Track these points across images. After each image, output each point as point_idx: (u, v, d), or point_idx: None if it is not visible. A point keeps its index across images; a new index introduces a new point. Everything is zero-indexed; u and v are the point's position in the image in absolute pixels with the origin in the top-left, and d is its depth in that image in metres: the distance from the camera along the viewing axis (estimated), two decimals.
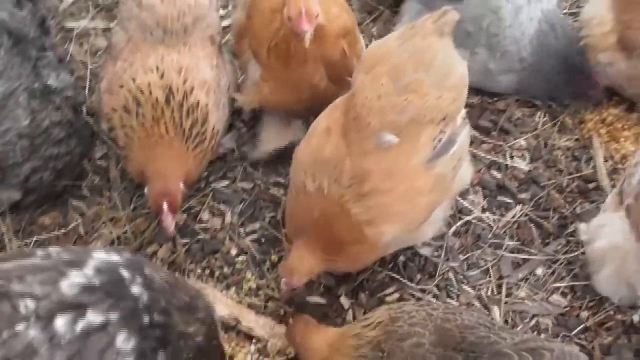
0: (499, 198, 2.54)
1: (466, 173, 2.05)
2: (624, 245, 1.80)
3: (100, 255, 1.40)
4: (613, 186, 2.55)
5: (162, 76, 2.08)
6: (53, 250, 1.42)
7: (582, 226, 2.25)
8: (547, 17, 2.60)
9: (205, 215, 2.45)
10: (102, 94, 2.19)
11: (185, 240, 2.38)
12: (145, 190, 2.06)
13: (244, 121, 2.82)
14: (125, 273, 1.36)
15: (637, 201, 1.76)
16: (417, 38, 1.71)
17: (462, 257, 2.38)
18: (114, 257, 1.42)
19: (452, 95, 1.74)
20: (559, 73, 2.64)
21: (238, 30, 2.42)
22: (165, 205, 1.96)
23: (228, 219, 2.43)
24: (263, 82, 2.22)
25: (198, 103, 2.10)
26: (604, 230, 1.92)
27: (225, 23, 2.85)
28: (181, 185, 2.04)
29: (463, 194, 2.53)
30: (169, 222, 1.99)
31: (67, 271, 1.28)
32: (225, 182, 2.57)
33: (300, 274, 1.85)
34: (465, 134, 1.89)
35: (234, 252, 2.34)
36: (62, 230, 2.42)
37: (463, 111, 1.92)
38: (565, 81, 2.67)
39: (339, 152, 1.75)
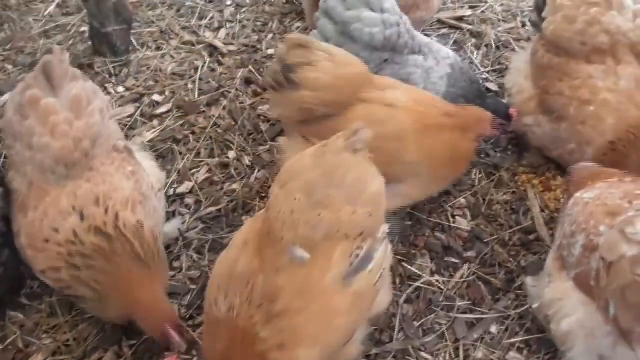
0: (446, 259, 2.58)
1: (385, 294, 1.99)
2: (592, 324, 1.77)
3: None
4: (552, 235, 2.64)
5: (82, 217, 1.98)
6: None
7: (528, 280, 2.29)
8: (456, 70, 2.75)
9: None
10: (25, 250, 2.04)
11: (132, 342, 2.28)
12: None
13: (187, 206, 2.82)
14: None
15: (598, 283, 1.73)
16: (329, 155, 1.73)
17: (416, 324, 2.37)
18: None
19: (367, 210, 1.72)
20: None
21: None
22: (169, 329, 1.94)
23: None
24: None
25: (128, 224, 2.03)
26: (564, 306, 1.89)
27: None
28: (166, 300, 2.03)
29: (410, 259, 2.56)
30: (179, 339, 1.97)
31: None
32: (171, 273, 2.51)
33: None
34: (383, 249, 1.84)
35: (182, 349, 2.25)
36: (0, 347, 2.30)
37: (385, 226, 1.91)
38: None
39: (253, 268, 1.68)
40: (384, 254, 1.83)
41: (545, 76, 2.61)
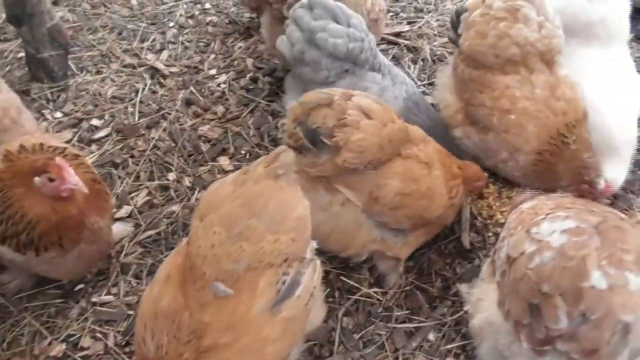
0: None
1: (318, 312, 1.98)
2: (497, 320, 1.80)
3: None
4: (483, 242, 2.73)
5: None
6: None
7: (463, 287, 2.35)
8: (412, 96, 2.81)
9: (86, 341, 2.32)
10: None
11: None
12: None
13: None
14: None
15: (503, 279, 1.80)
16: (249, 184, 1.70)
17: (356, 336, 2.40)
18: None
19: (290, 236, 1.70)
20: None
21: None
22: None
23: (111, 340, 2.32)
24: None
25: None
26: (482, 305, 1.94)
27: None
28: None
29: (349, 273, 2.59)
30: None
31: None
32: (108, 299, 2.48)
33: None
34: (311, 270, 1.82)
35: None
36: None
37: (313, 244, 1.89)
38: None
39: (177, 304, 1.64)
40: (311, 275, 1.81)
41: (467, 89, 2.72)
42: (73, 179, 1.98)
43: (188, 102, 3.54)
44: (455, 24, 2.79)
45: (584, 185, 2.46)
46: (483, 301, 1.92)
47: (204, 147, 3.22)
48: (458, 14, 2.78)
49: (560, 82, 2.58)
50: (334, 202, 2.19)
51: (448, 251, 2.70)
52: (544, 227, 1.70)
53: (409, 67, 3.79)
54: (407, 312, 2.48)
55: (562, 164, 2.49)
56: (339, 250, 2.35)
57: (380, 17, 3.50)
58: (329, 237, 2.25)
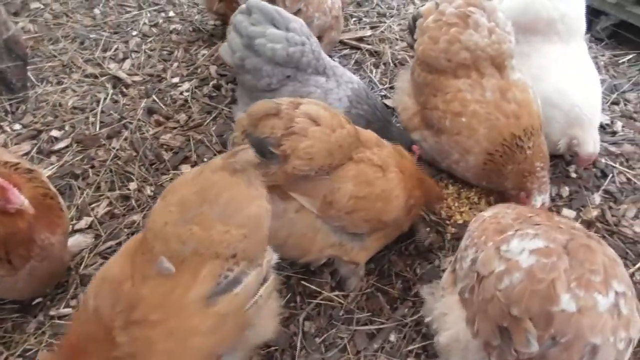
0: None
1: (266, 326, 1.97)
2: (465, 338, 1.78)
3: None
4: (443, 242, 2.77)
5: None
6: None
7: (424, 289, 2.35)
8: (356, 91, 2.83)
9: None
10: None
11: None
12: None
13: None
14: None
15: (472, 296, 1.76)
16: (206, 173, 1.73)
17: (318, 340, 2.41)
18: None
19: (241, 231, 1.70)
20: None
21: None
22: None
23: None
24: None
25: None
26: (447, 320, 1.91)
27: None
28: None
29: (310, 277, 2.60)
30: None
31: None
32: (67, 311, 2.45)
33: None
34: (256, 277, 1.78)
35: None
36: None
37: (270, 255, 1.90)
38: None
39: (124, 273, 1.66)
40: (256, 280, 1.79)
41: (422, 93, 2.77)
42: (18, 199, 1.95)
43: (150, 111, 3.52)
44: (412, 29, 2.85)
45: (522, 193, 2.53)
46: (448, 316, 1.90)
47: (166, 155, 3.20)
48: (414, 19, 2.84)
49: (512, 85, 2.63)
50: (289, 209, 2.19)
51: (408, 252, 2.73)
52: (513, 245, 1.68)
53: (371, 71, 3.84)
54: (369, 314, 2.49)
55: (512, 165, 2.55)
56: (297, 256, 2.35)
57: (340, 14, 3.54)
58: (286, 243, 2.26)
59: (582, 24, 3.15)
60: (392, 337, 2.43)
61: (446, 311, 1.93)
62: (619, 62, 4.16)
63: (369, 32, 4.24)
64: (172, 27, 4.48)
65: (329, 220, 2.23)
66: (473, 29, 2.58)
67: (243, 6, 2.63)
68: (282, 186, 2.15)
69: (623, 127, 3.44)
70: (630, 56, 4.21)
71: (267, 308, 1.90)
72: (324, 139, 2.06)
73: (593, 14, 4.74)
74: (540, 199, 2.52)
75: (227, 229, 1.69)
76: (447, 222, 2.84)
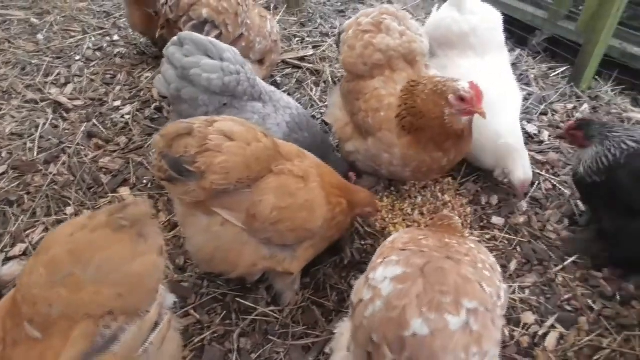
0: None
1: None
2: (349, 357, 1.79)
3: None
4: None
5: None
6: None
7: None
8: (295, 118, 2.90)
9: None
10: None
11: None
12: None
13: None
14: None
15: (351, 321, 1.78)
16: (85, 230, 1.64)
17: (254, 356, 2.43)
18: None
19: (115, 291, 1.63)
20: None
21: None
22: None
23: None
24: None
25: None
26: (341, 341, 1.92)
27: None
28: None
29: (245, 294, 2.64)
30: None
31: None
32: None
33: None
34: (139, 327, 1.71)
35: None
36: None
37: (166, 299, 1.85)
38: None
39: None
40: (141, 332, 1.72)
41: (348, 101, 2.90)
42: None
43: (90, 135, 3.52)
44: (338, 44, 2.97)
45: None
46: (343, 337, 1.93)
47: (105, 179, 3.21)
48: (339, 34, 2.97)
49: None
50: (212, 223, 2.23)
51: (343, 265, 2.79)
52: (378, 273, 1.72)
53: (312, 89, 3.93)
54: (304, 327, 2.53)
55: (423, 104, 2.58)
56: (228, 270, 2.38)
57: (278, 38, 3.64)
58: (214, 258, 2.29)
59: (497, 37, 3.31)
60: (327, 350, 2.46)
61: (343, 332, 1.96)
62: (549, 74, 4.37)
63: (310, 52, 4.36)
64: (117, 50, 4.51)
65: (256, 234, 2.28)
66: (385, 33, 2.77)
67: (175, 38, 2.68)
68: (206, 202, 2.19)
69: (550, 136, 3.61)
70: (564, 69, 4.43)
71: (163, 352, 1.83)
72: (239, 152, 2.11)
73: (528, 29, 4.99)
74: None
75: (97, 290, 1.60)
76: (382, 233, 2.92)
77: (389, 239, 2.08)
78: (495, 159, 3.04)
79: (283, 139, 2.69)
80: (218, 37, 3.17)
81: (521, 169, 2.94)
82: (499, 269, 1.98)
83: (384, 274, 1.71)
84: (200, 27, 3.15)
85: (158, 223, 2.18)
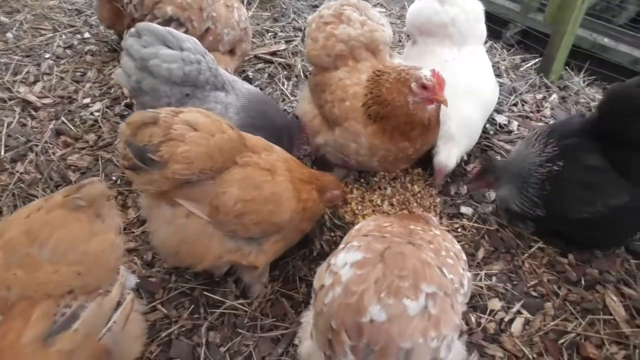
0: None
1: (129, 350, 1.92)
2: (315, 349, 1.77)
3: None
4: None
5: None
6: None
7: None
8: (249, 104, 2.88)
9: None
10: None
11: None
12: None
13: None
14: None
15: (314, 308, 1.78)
16: (42, 212, 1.65)
17: (222, 349, 2.42)
18: None
19: (74, 269, 1.65)
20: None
21: None
22: None
23: None
24: None
25: None
26: (307, 330, 1.91)
27: None
28: None
29: (214, 287, 2.63)
30: None
31: None
32: None
33: None
34: (97, 307, 1.71)
35: None
36: None
37: (128, 279, 1.87)
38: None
39: None
40: (103, 310, 1.73)
41: (316, 94, 2.91)
42: None
43: (58, 132, 3.48)
44: (304, 38, 2.98)
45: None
46: (309, 325, 1.92)
47: (73, 176, 3.17)
48: (304, 29, 2.98)
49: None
50: (177, 215, 2.22)
51: (312, 257, 2.80)
52: (339, 259, 1.72)
53: (283, 83, 3.93)
54: (273, 319, 2.53)
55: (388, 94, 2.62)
56: (193, 263, 2.37)
57: (247, 25, 3.62)
58: (179, 250, 2.29)
59: (476, 29, 3.33)
60: (296, 341, 2.46)
61: (309, 320, 1.96)
62: (520, 66, 4.42)
63: (283, 46, 4.35)
64: (87, 48, 4.46)
65: (221, 226, 2.27)
66: (346, 23, 2.79)
67: (132, 29, 2.65)
68: (170, 193, 2.19)
69: (519, 126, 3.65)
70: (535, 60, 4.48)
71: (127, 332, 1.85)
72: (203, 143, 2.10)
73: (502, 22, 5.04)
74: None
75: (56, 269, 1.62)
76: (351, 225, 2.93)
77: (356, 227, 2.09)
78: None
79: (237, 121, 2.72)
80: (184, 33, 3.14)
81: (446, 153, 2.99)
82: (464, 257, 2.00)
83: (345, 259, 1.71)
84: (165, 25, 3.13)
85: (115, 204, 2.14)
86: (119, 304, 1.81)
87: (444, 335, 1.59)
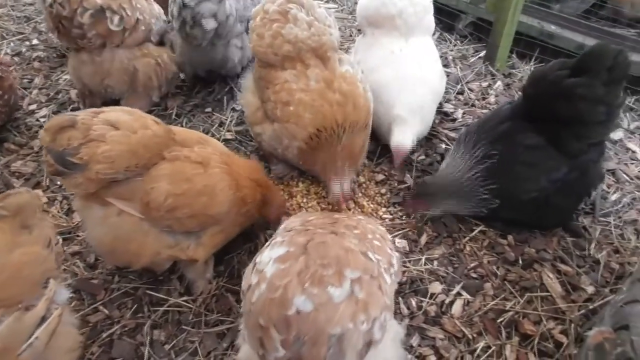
0: None
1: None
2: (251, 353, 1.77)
3: None
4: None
5: None
6: None
7: None
8: None
9: None
10: None
11: None
12: None
13: None
14: None
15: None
16: None
17: (167, 346, 2.43)
18: None
19: None
20: None
21: None
22: None
23: None
24: None
25: None
26: (243, 334, 1.90)
27: None
28: None
29: (157, 286, 2.63)
30: None
31: None
32: None
33: None
34: (13, 323, 1.65)
35: None
36: None
37: (57, 293, 1.83)
38: None
39: None
40: (21, 325, 1.68)
41: (259, 88, 2.92)
42: None
43: (2, 140, 3.45)
44: (247, 30, 3.02)
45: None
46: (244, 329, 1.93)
47: (17, 183, 3.14)
48: (248, 21, 3.00)
49: (338, 76, 2.79)
50: (109, 214, 2.22)
51: (257, 252, 2.79)
52: (264, 257, 1.74)
53: None
54: (218, 314, 2.53)
55: (324, 152, 2.75)
56: (132, 261, 2.36)
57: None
58: (114, 249, 2.28)
59: (424, 20, 3.37)
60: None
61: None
62: (468, 56, 4.50)
63: None
64: (35, 54, 4.42)
65: (155, 222, 2.27)
66: (293, 23, 2.75)
67: None
68: (100, 193, 2.18)
69: (464, 114, 3.72)
70: (485, 50, 4.55)
71: (55, 347, 1.80)
72: (124, 141, 2.10)
73: (454, 13, 5.12)
74: (338, 187, 2.83)
75: None
76: None
77: (282, 225, 2.09)
78: (386, 121, 3.12)
79: None
80: (120, 20, 3.20)
81: (401, 135, 3.03)
82: (389, 237, 2.04)
83: (269, 256, 1.72)
84: (100, 14, 3.13)
85: (48, 215, 2.13)
86: (44, 318, 1.75)
87: (374, 317, 1.62)
